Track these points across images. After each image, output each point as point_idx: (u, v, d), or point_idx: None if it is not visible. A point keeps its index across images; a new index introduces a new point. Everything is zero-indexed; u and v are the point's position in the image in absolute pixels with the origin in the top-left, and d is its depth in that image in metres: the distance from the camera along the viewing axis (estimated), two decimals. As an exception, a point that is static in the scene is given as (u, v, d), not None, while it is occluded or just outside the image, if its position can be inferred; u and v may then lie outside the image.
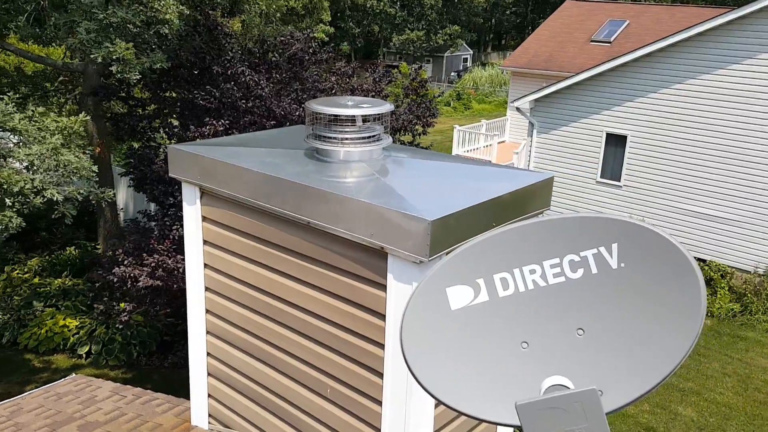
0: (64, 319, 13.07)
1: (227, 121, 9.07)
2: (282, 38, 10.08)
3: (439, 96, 17.11)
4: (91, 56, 7.42)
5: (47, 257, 15.37)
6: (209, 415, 3.72)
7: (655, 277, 1.96)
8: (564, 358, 1.96)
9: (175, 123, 9.70)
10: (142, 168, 9.46)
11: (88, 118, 7.43)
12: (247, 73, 9.25)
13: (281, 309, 3.10)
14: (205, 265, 3.45)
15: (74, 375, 5.37)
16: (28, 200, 6.99)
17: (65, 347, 12.89)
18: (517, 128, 24.89)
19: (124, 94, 9.69)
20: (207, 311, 3.53)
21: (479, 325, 2.11)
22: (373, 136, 3.10)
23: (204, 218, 3.37)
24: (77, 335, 12.86)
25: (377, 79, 11.71)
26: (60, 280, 14.32)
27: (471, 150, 23.93)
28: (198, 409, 3.77)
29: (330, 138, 3.03)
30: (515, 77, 24.69)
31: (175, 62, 9.40)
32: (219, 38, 9.39)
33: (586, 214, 2.09)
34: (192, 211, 3.39)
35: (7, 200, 6.86)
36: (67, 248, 15.65)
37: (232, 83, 9.19)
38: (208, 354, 3.61)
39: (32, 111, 7.21)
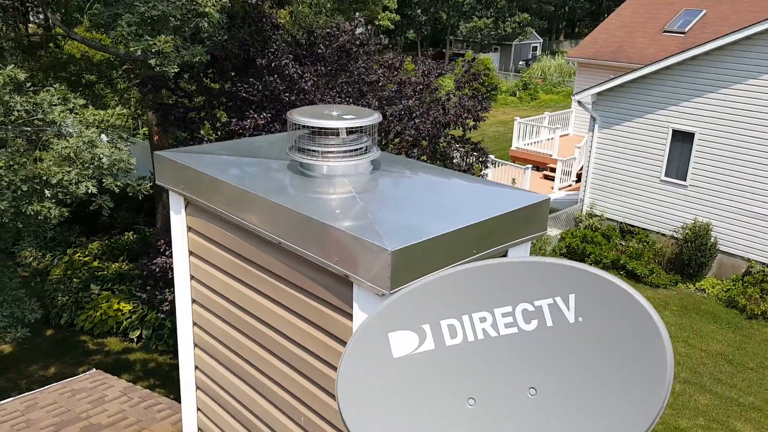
0: (118, 303, 13.49)
1: (269, 115, 9.03)
2: (328, 30, 9.95)
3: (493, 89, 16.64)
4: (131, 49, 7.47)
5: (107, 241, 15.91)
6: (198, 429, 3.64)
7: (616, 338, 1.68)
8: (512, 420, 1.70)
9: (220, 115, 9.75)
10: (187, 159, 9.52)
11: (126, 109, 7.49)
12: (291, 66, 9.17)
13: (259, 329, 2.96)
14: (192, 277, 3.35)
15: (93, 371, 5.44)
16: (67, 191, 7.13)
17: (118, 330, 13.31)
18: (582, 121, 24.02)
19: (172, 85, 9.79)
20: (194, 324, 3.43)
21: (424, 376, 1.87)
22: (359, 149, 2.89)
23: (189, 228, 3.25)
24: (129, 319, 13.24)
25: (426, 72, 11.43)
26: (117, 264, 14.78)
27: (531, 143, 23.26)
28: (189, 422, 3.69)
29: (311, 151, 2.84)
30: (582, 68, 23.80)
31: (221, 54, 9.41)
32: (264, 30, 9.33)
33: (542, 259, 1.83)
34: (178, 221, 3.28)
35: (46, 191, 7.02)
36: (126, 233, 16.14)
37: (275, 76, 9.13)
38: (196, 367, 3.51)
39: (73, 103, 7.34)
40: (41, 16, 18.28)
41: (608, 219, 17.27)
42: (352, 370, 2.00)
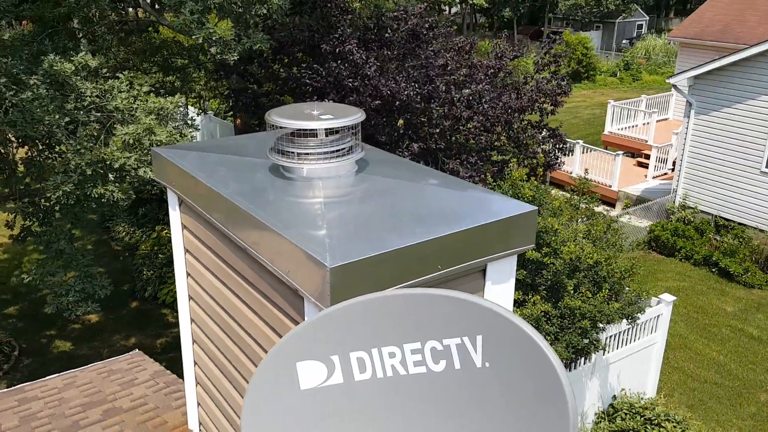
0: (196, 279, 13.98)
1: (331, 101, 9.00)
2: (396, 13, 9.76)
3: (591, 70, 15.81)
4: (193, 37, 7.62)
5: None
6: (199, 423, 3.67)
7: (518, 387, 1.50)
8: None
9: (287, 101, 9.83)
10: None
11: (184, 96, 7.66)
12: (354, 51, 9.08)
13: (237, 332, 2.91)
14: (188, 274, 3.35)
15: (134, 352, 5.64)
16: (130, 175, 7.41)
17: (195, 305, 13.80)
18: (683, 105, 22.52)
19: (241, 71, 9.97)
20: (191, 320, 3.44)
21: (331, 411, 1.74)
22: (339, 150, 2.76)
23: (183, 226, 3.24)
24: (205, 295, 13.70)
25: (500, 54, 11.01)
26: (198, 241, 15.32)
27: (626, 128, 22.07)
28: (192, 414, 3.73)
29: (288, 152, 2.73)
30: (684, 49, 22.29)
31: (287, 40, 9.46)
32: (329, 15, 9.28)
33: (452, 293, 1.65)
34: (174, 218, 3.28)
35: (110, 175, 7.32)
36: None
37: (339, 61, 9.07)
38: (195, 363, 3.53)
39: (137, 90, 7.58)
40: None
41: (702, 212, 16.14)
42: (259, 399, 1.87)
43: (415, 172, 2.92)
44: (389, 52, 9.65)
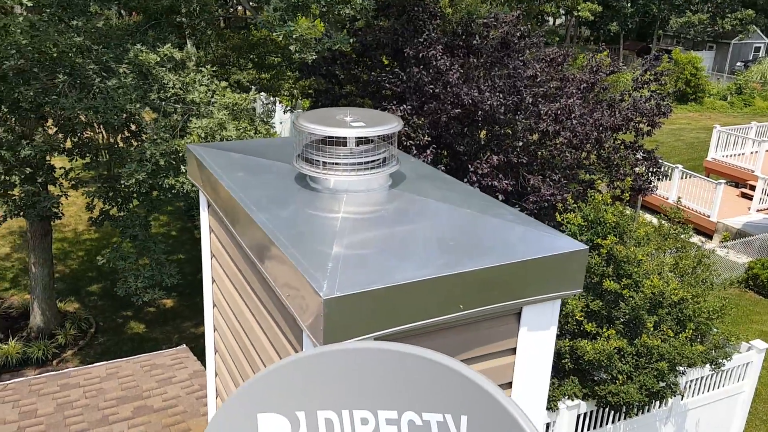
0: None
1: (409, 107, 8.75)
2: (485, 20, 9.39)
3: (699, 91, 14.82)
4: (273, 35, 7.57)
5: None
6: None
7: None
8: None
9: (366, 104, 9.66)
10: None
11: (256, 94, 7.63)
12: (438, 57, 8.79)
13: (248, 349, 2.69)
14: (213, 280, 3.17)
15: (181, 347, 5.59)
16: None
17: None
18: (800, 134, 20.80)
19: (324, 72, 9.90)
20: (214, 329, 3.27)
21: (291, 475, 1.49)
22: (371, 161, 2.48)
23: (211, 229, 3.07)
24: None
25: (595, 68, 10.40)
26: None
27: (732, 155, 20.57)
28: (211, 408, 3.56)
29: (315, 161, 2.49)
30: (806, 73, 20.49)
31: (371, 43, 9.30)
32: (416, 19, 9.04)
33: (444, 359, 1.34)
34: (204, 219, 3.12)
35: (182, 167, 7.37)
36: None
37: (421, 67, 8.81)
38: (216, 374, 3.36)
39: (216, 84, 7.61)
40: None
41: (813, 252, 14.71)
42: (214, 447, 1.58)
43: (456, 192, 2.60)
44: (475, 60, 9.30)
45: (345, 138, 2.45)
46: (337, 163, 2.46)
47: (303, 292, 1.88)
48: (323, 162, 2.46)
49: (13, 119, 8.25)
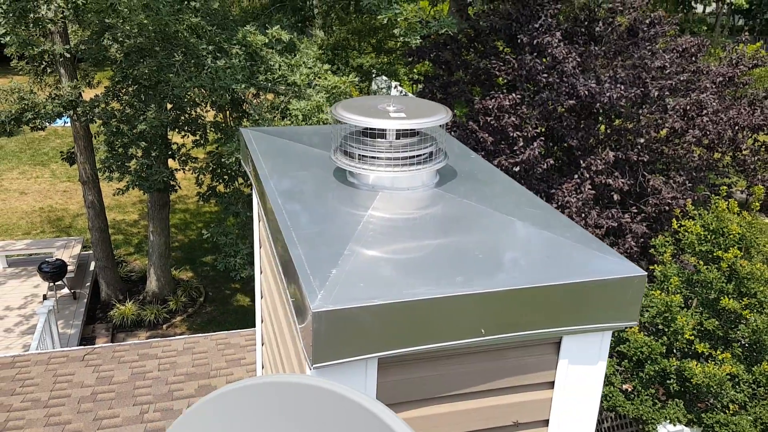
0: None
1: (518, 96, 8.29)
2: (611, 5, 8.70)
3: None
4: (378, 17, 7.42)
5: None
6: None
7: None
8: None
9: (476, 92, 9.30)
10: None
11: (355, 79, 7.52)
12: (555, 44, 8.25)
13: (279, 343, 2.56)
14: (261, 270, 3.07)
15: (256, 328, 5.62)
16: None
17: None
18: None
19: (433, 57, 9.62)
20: (261, 320, 3.18)
21: None
22: (416, 156, 2.24)
23: (259, 217, 2.96)
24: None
25: (736, 61, 9.36)
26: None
27: None
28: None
29: (352, 154, 2.28)
30: None
31: (484, 29, 8.91)
32: (530, 4, 8.53)
33: (358, 397, 1.11)
34: (255, 206, 3.02)
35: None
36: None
37: (535, 54, 8.31)
38: (263, 366, 3.27)
39: (318, 67, 7.58)
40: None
41: None
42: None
43: (509, 197, 2.30)
44: (596, 48, 8.64)
45: (384, 130, 2.22)
46: (374, 157, 2.25)
47: (301, 300, 1.70)
48: (359, 155, 2.25)
49: (132, 95, 8.69)
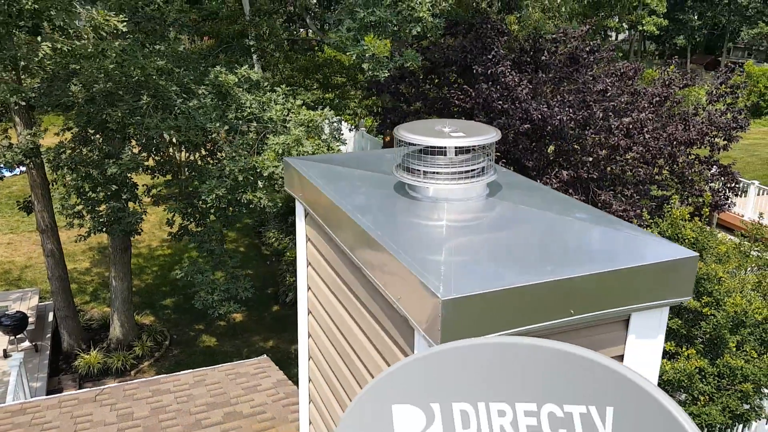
0: (334, 291, 14.28)
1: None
2: (554, 36, 9.37)
3: None
4: (347, 53, 7.77)
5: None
6: (308, 422, 3.58)
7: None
8: None
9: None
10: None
11: (333, 111, 7.82)
12: (507, 73, 8.81)
13: (349, 354, 2.77)
14: (308, 288, 3.28)
15: (262, 357, 5.73)
16: (278, 184, 7.67)
17: (331, 316, 14.08)
18: None
19: (392, 90, 10.05)
20: (309, 335, 3.37)
21: (425, 465, 1.54)
22: (470, 171, 2.54)
23: (307, 238, 3.18)
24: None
25: (667, 82, 10.19)
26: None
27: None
28: (303, 417, 3.66)
29: (415, 170, 2.56)
30: None
31: (440, 61, 9.40)
32: (483, 36, 9.10)
33: (582, 351, 1.37)
34: (300, 229, 3.24)
35: (259, 182, 7.62)
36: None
37: (490, 83, 8.84)
38: (309, 379, 3.45)
39: (291, 103, 7.85)
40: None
41: None
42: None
43: (554, 201, 2.63)
44: (544, 75, 9.26)
45: (445, 148, 2.52)
46: (437, 173, 2.53)
47: (418, 296, 1.94)
48: (424, 171, 2.54)
49: (100, 139, 8.70)
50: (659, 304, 2.15)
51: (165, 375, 5.26)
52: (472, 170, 2.56)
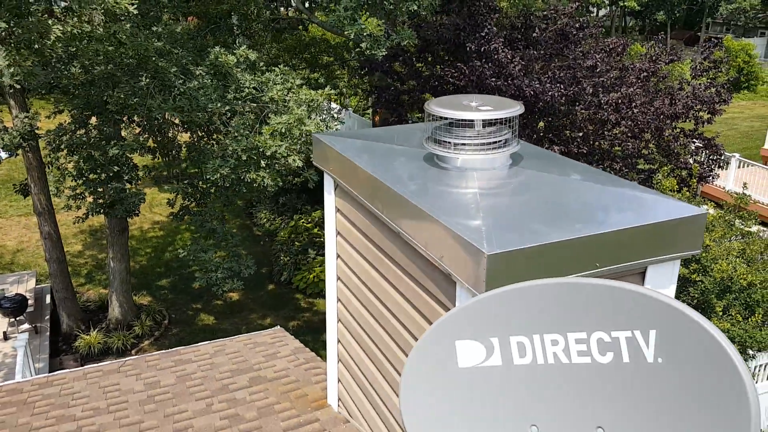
0: (328, 268, 14.50)
1: (473, 100, 9.00)
2: (545, 12, 9.57)
3: (752, 79, 14.60)
4: (345, 33, 7.90)
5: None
6: (338, 398, 3.82)
7: (696, 387, 1.45)
8: (574, 458, 1.55)
9: (428, 99, 9.94)
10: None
11: (334, 90, 7.97)
12: (500, 50, 9.01)
13: (382, 312, 3.01)
14: (337, 255, 3.50)
15: (276, 328, 5.95)
16: (279, 163, 7.84)
17: (326, 293, 14.32)
18: None
19: (386, 68, 10.20)
20: (338, 300, 3.59)
21: (487, 392, 1.78)
22: (496, 142, 2.76)
23: (337, 210, 3.40)
24: (336, 284, 14.17)
25: (654, 57, 10.45)
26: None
27: (790, 143, 20.14)
28: (332, 390, 3.90)
29: (444, 142, 2.78)
30: None
31: (433, 39, 9.56)
32: (476, 14, 9.27)
33: (625, 285, 1.61)
34: (329, 201, 3.44)
35: (262, 162, 7.78)
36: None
37: (484, 60, 9.04)
38: (338, 341, 3.68)
39: (291, 83, 7.99)
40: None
41: None
42: (417, 371, 1.96)
43: (572, 168, 2.86)
44: (535, 52, 9.48)
45: (473, 120, 2.74)
46: (465, 144, 2.75)
47: (461, 253, 2.17)
48: (453, 143, 2.76)
49: (100, 121, 8.78)
50: (673, 257, 2.40)
51: (184, 347, 5.47)
52: (498, 141, 2.78)
